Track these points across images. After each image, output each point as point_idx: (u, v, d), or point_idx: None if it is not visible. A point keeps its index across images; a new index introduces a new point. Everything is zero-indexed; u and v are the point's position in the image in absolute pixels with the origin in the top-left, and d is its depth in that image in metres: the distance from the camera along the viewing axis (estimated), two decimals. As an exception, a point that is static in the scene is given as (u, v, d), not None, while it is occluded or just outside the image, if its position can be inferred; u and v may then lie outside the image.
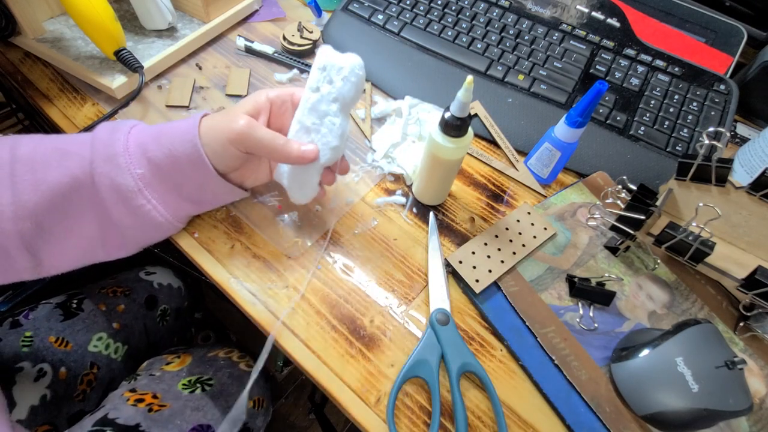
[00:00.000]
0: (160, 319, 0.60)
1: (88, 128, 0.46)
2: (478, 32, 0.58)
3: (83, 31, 0.47)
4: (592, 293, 0.41)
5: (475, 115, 0.53)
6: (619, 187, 0.47)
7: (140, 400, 0.45)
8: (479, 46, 0.57)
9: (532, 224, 0.45)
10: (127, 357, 0.54)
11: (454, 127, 0.37)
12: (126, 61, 0.49)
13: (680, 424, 0.35)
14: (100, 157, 0.34)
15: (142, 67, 0.49)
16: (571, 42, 0.58)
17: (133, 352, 0.56)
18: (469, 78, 0.34)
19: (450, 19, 0.59)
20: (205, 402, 0.46)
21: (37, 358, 0.47)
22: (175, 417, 0.44)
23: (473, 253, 0.42)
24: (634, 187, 0.44)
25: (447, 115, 0.37)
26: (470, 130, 0.39)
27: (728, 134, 0.54)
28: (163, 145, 0.35)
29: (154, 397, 0.45)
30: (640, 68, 0.56)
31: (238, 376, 0.50)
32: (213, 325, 0.91)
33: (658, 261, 0.45)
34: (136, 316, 0.57)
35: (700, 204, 0.39)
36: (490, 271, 0.41)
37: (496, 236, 0.43)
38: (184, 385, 0.47)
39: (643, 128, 0.52)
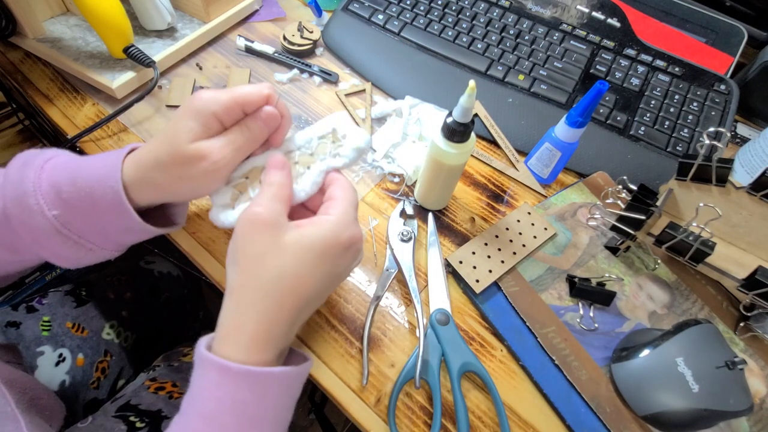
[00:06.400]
0: (164, 308, 0.61)
1: (96, 126, 0.46)
2: (479, 32, 0.58)
3: (93, 28, 0.47)
4: (592, 293, 0.41)
5: (476, 115, 0.53)
6: (620, 187, 0.47)
7: (161, 388, 0.46)
8: (479, 46, 0.57)
9: (533, 224, 0.45)
10: (134, 346, 0.55)
11: (457, 132, 0.37)
12: (136, 57, 0.48)
13: (680, 425, 0.35)
14: (10, 196, 0.31)
15: (154, 61, 0.49)
16: (572, 42, 0.58)
17: (140, 341, 0.56)
18: (472, 83, 0.33)
19: (450, 19, 0.59)
20: None
21: (57, 342, 0.47)
22: None
23: (473, 253, 0.42)
24: (634, 187, 0.44)
25: (449, 120, 0.37)
26: (473, 134, 0.39)
27: (728, 134, 0.54)
28: (81, 188, 0.31)
29: (174, 385, 0.47)
30: (641, 68, 0.56)
31: None
32: (213, 325, 0.91)
33: (659, 261, 0.45)
34: (142, 304, 0.58)
35: (701, 204, 0.39)
36: (490, 271, 0.41)
37: (497, 236, 0.43)
38: None
39: (643, 128, 0.52)
